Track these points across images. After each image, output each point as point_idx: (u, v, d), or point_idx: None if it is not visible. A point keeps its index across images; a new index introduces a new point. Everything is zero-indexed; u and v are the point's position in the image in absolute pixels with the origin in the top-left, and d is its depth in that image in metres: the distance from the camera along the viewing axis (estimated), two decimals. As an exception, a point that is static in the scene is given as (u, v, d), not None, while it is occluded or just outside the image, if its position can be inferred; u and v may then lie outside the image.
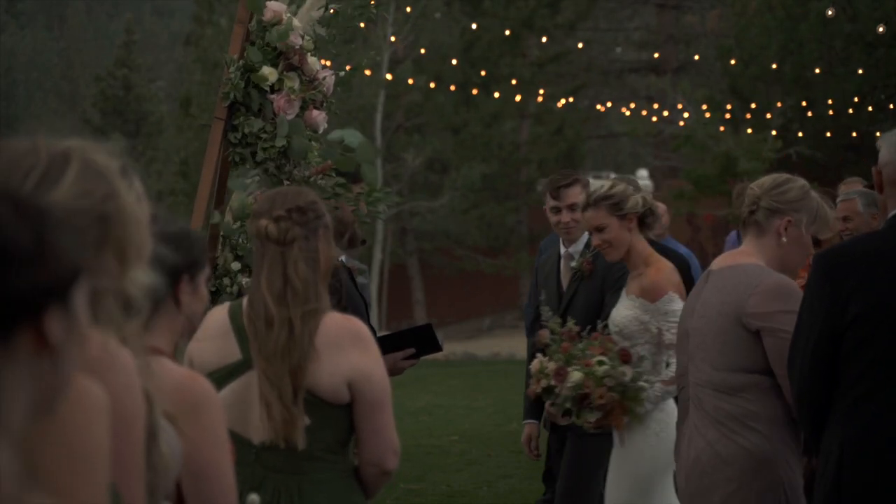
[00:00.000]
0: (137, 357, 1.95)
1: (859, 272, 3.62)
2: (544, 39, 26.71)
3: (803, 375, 3.74)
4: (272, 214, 3.45)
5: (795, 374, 3.79)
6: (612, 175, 39.45)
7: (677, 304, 5.07)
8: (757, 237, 4.36)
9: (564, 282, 6.11)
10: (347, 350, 3.40)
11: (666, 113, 24.17)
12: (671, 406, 5.18)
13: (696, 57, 26.65)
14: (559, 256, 6.20)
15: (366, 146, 5.35)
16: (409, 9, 25.14)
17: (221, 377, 3.43)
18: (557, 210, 6.07)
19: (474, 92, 26.06)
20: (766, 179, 4.46)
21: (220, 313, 3.54)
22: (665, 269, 5.21)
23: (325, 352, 3.38)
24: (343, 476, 3.47)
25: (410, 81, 24.86)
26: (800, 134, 21.28)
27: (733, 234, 10.37)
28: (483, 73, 25.94)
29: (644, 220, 5.29)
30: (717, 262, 4.48)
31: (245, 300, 3.51)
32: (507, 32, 25.84)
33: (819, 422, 3.73)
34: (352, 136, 5.42)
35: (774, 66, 20.48)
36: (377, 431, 3.42)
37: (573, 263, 6.04)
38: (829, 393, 3.69)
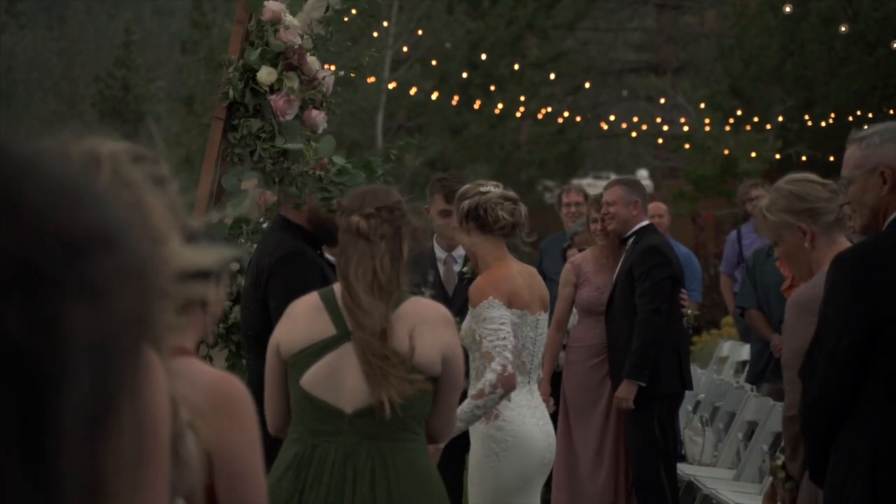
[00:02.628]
0: (163, 359, 1.95)
1: (889, 270, 3.56)
2: (545, 42, 26.69)
3: (827, 379, 3.58)
4: (363, 211, 3.67)
5: (817, 377, 3.61)
6: (613, 175, 39.47)
7: (497, 311, 4.62)
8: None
9: (448, 288, 5.85)
10: (441, 328, 3.65)
11: (662, 118, 24.14)
12: (515, 424, 4.79)
13: (696, 58, 26.63)
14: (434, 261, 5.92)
15: (329, 140, 5.42)
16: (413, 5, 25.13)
17: (315, 351, 3.65)
18: (447, 213, 5.82)
19: (476, 98, 26.02)
20: None
21: (310, 299, 3.74)
22: (494, 274, 4.76)
23: (423, 328, 3.61)
24: (424, 448, 3.70)
25: (413, 91, 24.79)
26: (800, 134, 21.26)
27: (733, 233, 10.38)
28: (484, 74, 25.92)
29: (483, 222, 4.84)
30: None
31: (335, 286, 3.74)
32: (509, 34, 25.81)
33: (830, 431, 3.59)
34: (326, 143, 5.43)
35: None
36: (447, 410, 3.71)
37: (464, 268, 5.77)
38: (850, 399, 3.56)
